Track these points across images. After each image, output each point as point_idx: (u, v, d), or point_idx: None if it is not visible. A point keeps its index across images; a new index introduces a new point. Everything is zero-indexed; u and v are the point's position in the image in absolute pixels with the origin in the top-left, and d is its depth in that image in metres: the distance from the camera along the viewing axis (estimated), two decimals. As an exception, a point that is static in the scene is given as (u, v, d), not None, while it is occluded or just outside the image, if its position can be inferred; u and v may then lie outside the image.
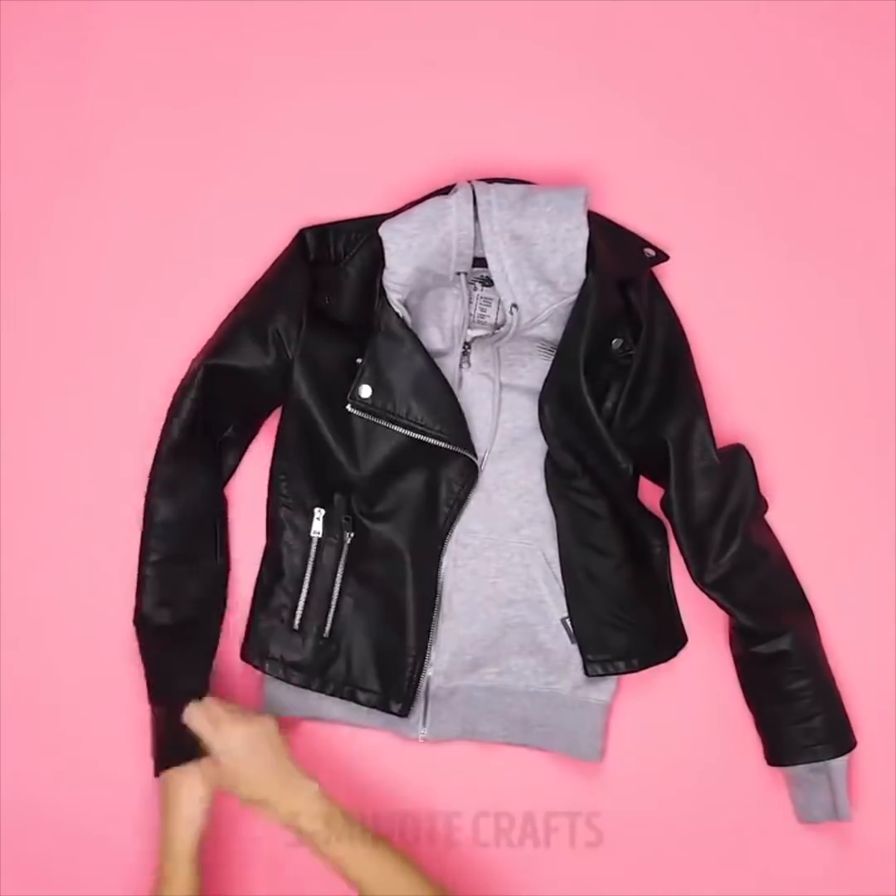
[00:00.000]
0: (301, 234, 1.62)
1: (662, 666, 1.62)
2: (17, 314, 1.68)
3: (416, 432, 1.56)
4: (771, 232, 1.71)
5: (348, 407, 1.57)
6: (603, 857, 1.63)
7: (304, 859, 1.61)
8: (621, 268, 1.59)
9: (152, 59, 1.70)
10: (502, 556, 1.61)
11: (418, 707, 1.61)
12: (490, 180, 1.60)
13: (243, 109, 1.70)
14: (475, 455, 1.58)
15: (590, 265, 1.55)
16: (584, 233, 1.54)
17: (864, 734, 1.61)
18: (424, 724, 1.62)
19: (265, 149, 1.70)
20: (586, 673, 1.60)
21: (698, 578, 1.60)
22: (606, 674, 1.60)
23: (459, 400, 1.59)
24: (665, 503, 1.62)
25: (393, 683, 1.59)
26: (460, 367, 1.62)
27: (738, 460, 1.63)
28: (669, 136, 1.71)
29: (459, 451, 1.57)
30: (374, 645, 1.60)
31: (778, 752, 1.61)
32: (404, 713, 1.59)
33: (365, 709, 1.60)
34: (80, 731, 1.64)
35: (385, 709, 1.59)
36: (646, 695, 1.64)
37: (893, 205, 1.70)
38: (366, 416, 1.57)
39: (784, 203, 1.71)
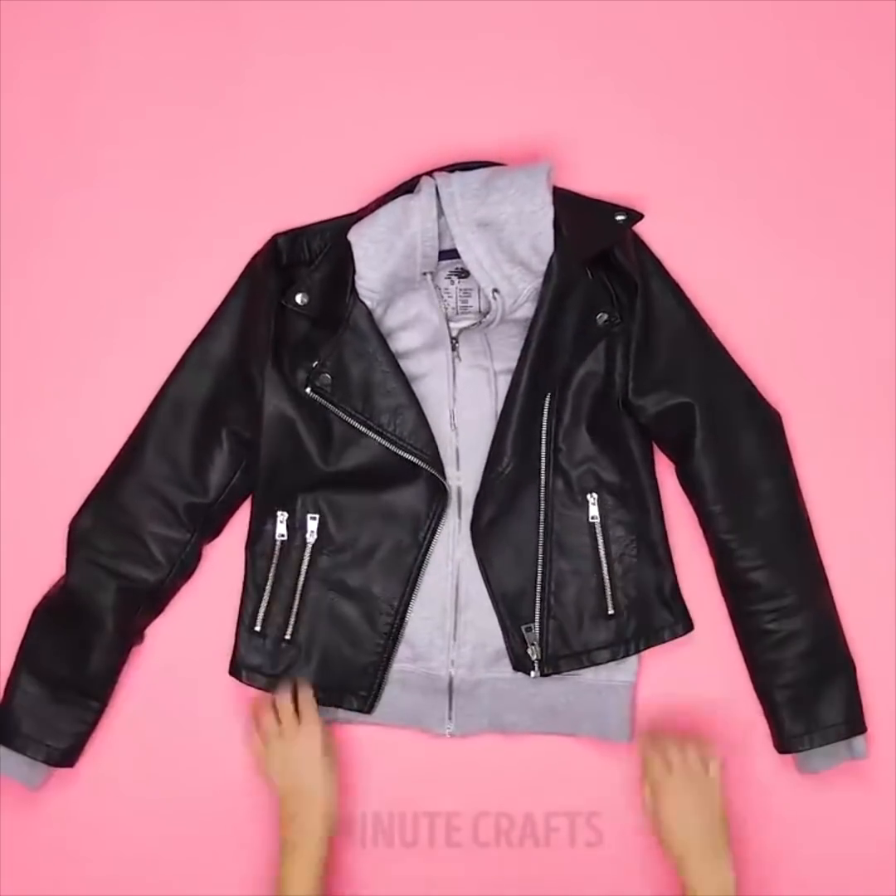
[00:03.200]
0: (273, 241, 1.62)
1: (664, 672, 1.63)
2: (16, 312, 1.68)
3: (371, 431, 1.57)
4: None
5: (308, 390, 1.57)
6: (603, 857, 1.63)
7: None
8: (591, 242, 1.58)
9: (152, 58, 1.70)
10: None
11: (443, 702, 1.60)
12: (457, 165, 1.60)
13: (242, 108, 1.71)
14: (440, 469, 1.57)
15: (555, 244, 1.55)
16: (549, 212, 1.54)
17: (869, 736, 1.59)
18: (451, 718, 1.60)
19: (265, 147, 1.70)
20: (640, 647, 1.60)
21: (730, 532, 1.58)
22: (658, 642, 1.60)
23: (454, 395, 1.61)
24: (696, 457, 1.58)
25: (354, 681, 1.58)
26: (452, 362, 1.61)
27: (778, 413, 1.62)
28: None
29: (410, 458, 1.56)
30: (336, 646, 1.59)
31: (787, 740, 1.58)
32: (365, 710, 1.58)
33: (387, 708, 1.59)
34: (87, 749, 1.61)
35: (347, 707, 1.58)
36: (645, 695, 1.64)
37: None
38: (323, 401, 1.57)
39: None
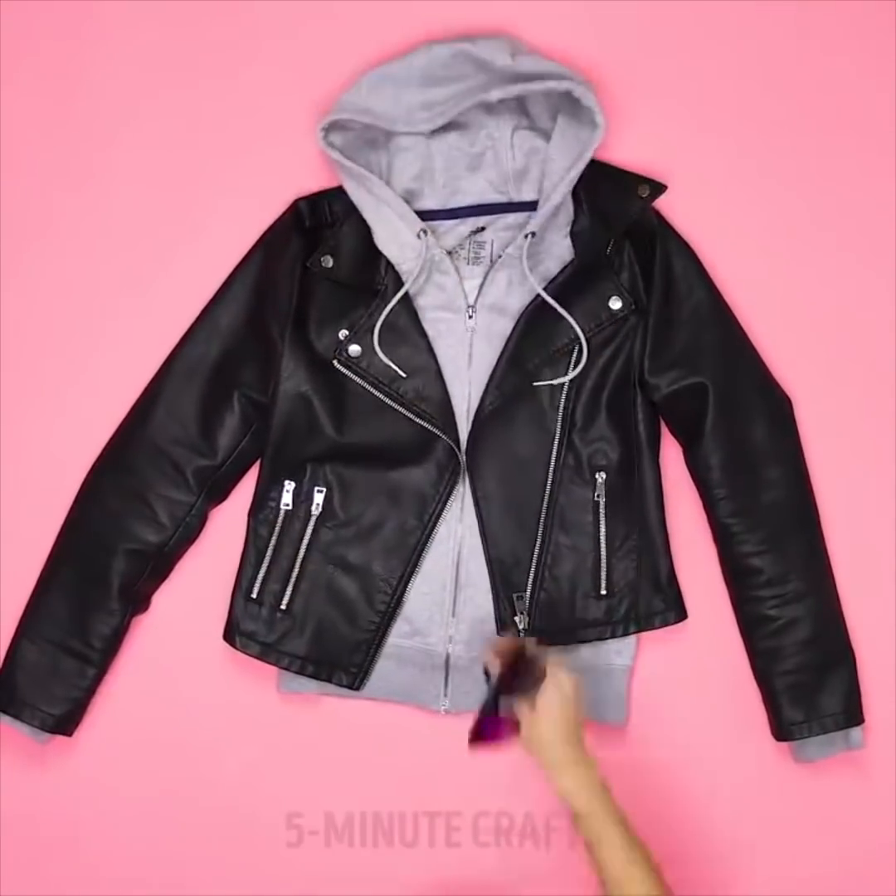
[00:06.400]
0: (295, 204, 1.62)
1: (662, 657, 1.63)
2: (17, 310, 1.68)
3: (396, 403, 1.58)
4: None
5: (335, 363, 1.58)
6: (603, 856, 1.63)
7: (304, 859, 1.62)
8: (611, 221, 1.58)
9: (152, 58, 1.70)
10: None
11: (439, 678, 1.60)
12: None
13: (242, 108, 1.71)
14: (457, 443, 1.58)
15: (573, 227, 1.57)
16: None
17: (868, 728, 1.59)
18: (446, 695, 1.60)
19: (264, 148, 1.70)
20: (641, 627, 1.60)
21: (734, 516, 1.59)
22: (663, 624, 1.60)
23: (469, 368, 1.60)
24: (705, 439, 1.59)
25: (345, 657, 1.58)
26: (468, 331, 1.61)
27: (789, 399, 1.62)
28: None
29: (436, 432, 1.58)
30: (331, 620, 1.59)
31: (785, 727, 1.57)
32: (354, 687, 1.58)
33: (383, 683, 1.59)
34: (80, 733, 1.62)
35: (336, 682, 1.58)
36: (643, 694, 1.64)
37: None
38: (350, 374, 1.59)
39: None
